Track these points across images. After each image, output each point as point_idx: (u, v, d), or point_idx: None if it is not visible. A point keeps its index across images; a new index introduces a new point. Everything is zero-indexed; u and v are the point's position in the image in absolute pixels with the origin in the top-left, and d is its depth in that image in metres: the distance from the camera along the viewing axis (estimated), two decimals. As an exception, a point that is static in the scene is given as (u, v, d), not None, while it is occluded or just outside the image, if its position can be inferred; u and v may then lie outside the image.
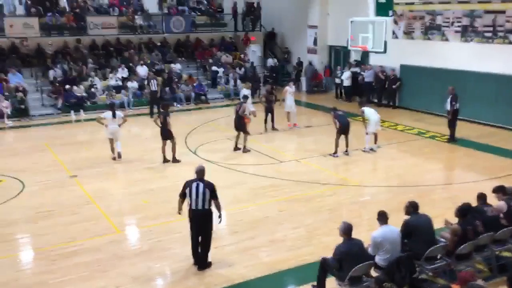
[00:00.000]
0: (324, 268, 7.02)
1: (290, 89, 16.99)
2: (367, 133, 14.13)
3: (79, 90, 20.07)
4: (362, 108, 14.30)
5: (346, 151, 13.90)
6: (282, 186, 11.60)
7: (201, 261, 7.95)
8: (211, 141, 15.64)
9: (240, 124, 14.19)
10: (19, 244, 9.13)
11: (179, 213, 8.01)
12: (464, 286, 5.54)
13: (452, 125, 15.09)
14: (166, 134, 13.19)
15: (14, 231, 9.48)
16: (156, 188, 11.60)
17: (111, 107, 13.96)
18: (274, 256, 8.34)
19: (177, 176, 11.92)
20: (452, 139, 15.13)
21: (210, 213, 7.79)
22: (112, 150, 13.69)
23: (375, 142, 14.28)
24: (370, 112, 14.10)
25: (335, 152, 13.77)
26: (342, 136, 13.69)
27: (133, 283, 7.57)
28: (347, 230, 6.71)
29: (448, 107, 14.83)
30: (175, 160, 13.33)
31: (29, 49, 21.73)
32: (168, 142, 13.31)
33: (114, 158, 13.64)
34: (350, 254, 6.60)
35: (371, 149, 14.19)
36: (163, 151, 13.35)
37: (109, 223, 9.74)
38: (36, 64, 21.67)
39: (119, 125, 13.49)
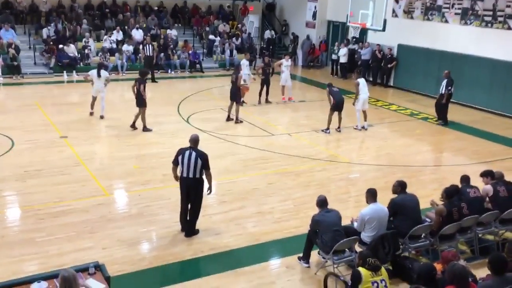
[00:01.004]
0: (310, 239, 7.15)
1: (285, 62, 16.83)
2: (358, 109, 14.10)
3: (72, 50, 19.77)
4: (357, 80, 14.06)
5: (338, 128, 13.93)
6: (272, 159, 11.64)
7: (189, 228, 8.01)
8: (204, 110, 15.57)
9: (234, 94, 14.12)
10: (6, 201, 9.10)
11: (177, 180, 7.98)
12: (446, 265, 5.65)
13: (444, 109, 15.11)
14: (138, 101, 12.90)
15: (2, 188, 9.45)
16: (147, 154, 11.58)
17: (98, 66, 14.47)
18: (260, 227, 8.43)
19: (169, 143, 11.96)
20: (444, 122, 15.18)
21: (200, 181, 7.80)
22: (92, 106, 14.15)
23: (365, 119, 14.29)
24: (362, 87, 13.97)
25: (327, 128, 13.79)
26: (336, 113, 13.68)
27: (120, 246, 7.62)
28: (319, 202, 7.11)
29: (443, 90, 14.84)
30: (145, 129, 13.06)
31: (23, 6, 21.28)
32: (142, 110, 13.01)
33: (91, 113, 14.16)
34: (323, 223, 6.88)
35: (363, 127, 14.23)
36: (142, 119, 13.14)
37: (98, 185, 9.74)
38: (30, 21, 21.29)
39: (105, 85, 13.91)
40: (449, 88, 14.70)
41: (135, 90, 12.88)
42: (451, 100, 15.14)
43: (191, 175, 7.68)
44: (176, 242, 7.84)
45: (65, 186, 9.59)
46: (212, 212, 8.84)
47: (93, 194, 9.33)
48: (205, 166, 7.72)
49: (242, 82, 14.29)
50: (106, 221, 8.36)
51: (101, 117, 13.99)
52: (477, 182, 8.32)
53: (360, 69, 16.68)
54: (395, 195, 7.44)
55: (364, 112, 14.17)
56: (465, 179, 8.06)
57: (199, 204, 7.98)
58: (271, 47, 25.17)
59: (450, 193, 7.51)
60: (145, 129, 13.11)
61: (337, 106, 13.58)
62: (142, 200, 9.22)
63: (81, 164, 10.74)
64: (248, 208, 9.12)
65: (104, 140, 12.64)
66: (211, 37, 23.41)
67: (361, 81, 14.03)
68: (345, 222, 7.32)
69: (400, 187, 7.42)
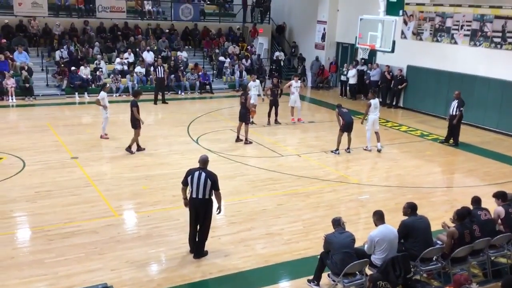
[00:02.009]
0: (322, 259, 7.08)
1: (295, 83, 16.91)
2: (368, 130, 14.07)
3: (84, 72, 20.06)
4: (370, 101, 13.95)
5: (348, 148, 13.89)
6: (282, 180, 11.61)
7: (198, 249, 7.98)
8: (214, 131, 15.64)
9: (244, 115, 14.16)
10: (17, 222, 9.16)
11: (185, 202, 7.95)
12: (458, 289, 5.55)
13: (456, 130, 15.04)
14: (132, 123, 12.95)
15: (13, 209, 9.51)
16: (156, 175, 11.61)
17: (101, 87, 15.31)
18: (270, 249, 8.37)
19: (178, 164, 12.00)
20: (455, 143, 15.10)
21: (210, 202, 7.79)
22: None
23: (378, 140, 14.21)
24: (374, 109, 13.94)
25: (337, 149, 13.77)
26: (345, 134, 13.67)
27: (129, 267, 7.60)
28: (333, 222, 7.09)
29: (453, 111, 14.78)
30: (128, 149, 13.00)
31: (36, 29, 21.70)
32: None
33: (101, 136, 14.31)
34: (333, 244, 6.83)
35: (378, 150, 14.14)
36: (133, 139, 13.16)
37: (107, 206, 9.77)
38: (43, 44, 21.70)
39: (103, 107, 14.06)
40: (461, 109, 14.66)
41: (130, 113, 12.94)
42: (461, 121, 15.08)
43: (200, 196, 7.68)
44: (185, 263, 7.80)
45: (75, 207, 9.63)
46: (221, 233, 8.80)
47: (103, 215, 9.35)
48: (215, 186, 7.73)
49: (251, 102, 14.38)
50: (115, 242, 8.36)
51: (101, 136, 14.22)
52: (489, 203, 8.22)
53: (375, 89, 16.63)
54: (406, 217, 7.37)
55: (376, 133, 14.13)
56: (475, 201, 7.97)
57: (208, 225, 7.95)
58: (277, 67, 25.35)
59: (462, 215, 7.42)
60: (128, 149, 13.00)
61: (346, 127, 13.57)
62: (151, 221, 9.21)
63: (91, 185, 10.79)
64: (257, 229, 9.07)
65: (114, 161, 12.70)
66: (221, 58, 23.65)
67: (374, 102, 13.97)
68: (358, 244, 7.23)
69: (410, 209, 7.35)
